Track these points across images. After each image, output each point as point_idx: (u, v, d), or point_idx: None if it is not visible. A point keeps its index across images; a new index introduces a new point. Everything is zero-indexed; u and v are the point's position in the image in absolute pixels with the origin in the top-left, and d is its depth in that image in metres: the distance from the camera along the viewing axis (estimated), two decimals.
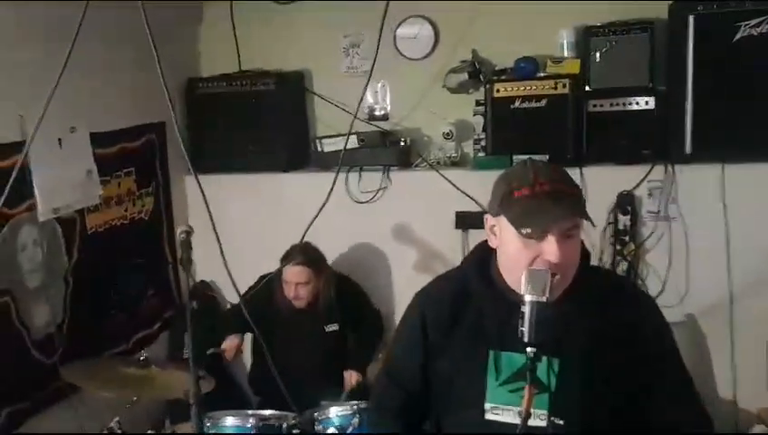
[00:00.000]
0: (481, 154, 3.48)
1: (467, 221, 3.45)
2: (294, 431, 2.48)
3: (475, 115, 3.50)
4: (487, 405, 1.57)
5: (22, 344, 2.64)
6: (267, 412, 2.58)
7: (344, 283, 3.40)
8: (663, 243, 3.22)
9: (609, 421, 1.54)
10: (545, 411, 1.51)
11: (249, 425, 2.45)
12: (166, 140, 3.58)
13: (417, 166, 3.59)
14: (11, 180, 1.92)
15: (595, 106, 3.25)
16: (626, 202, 3.24)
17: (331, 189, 2.38)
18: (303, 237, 2.29)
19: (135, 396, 2.58)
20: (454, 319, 1.65)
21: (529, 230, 1.47)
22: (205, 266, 3.87)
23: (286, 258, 3.19)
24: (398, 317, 3.60)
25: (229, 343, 3.26)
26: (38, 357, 2.71)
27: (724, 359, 3.19)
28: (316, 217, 2.23)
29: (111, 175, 3.16)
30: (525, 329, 1.42)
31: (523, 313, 1.44)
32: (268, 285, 3.30)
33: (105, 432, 2.41)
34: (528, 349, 1.42)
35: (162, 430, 3.19)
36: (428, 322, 1.68)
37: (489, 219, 1.60)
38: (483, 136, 3.46)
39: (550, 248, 1.47)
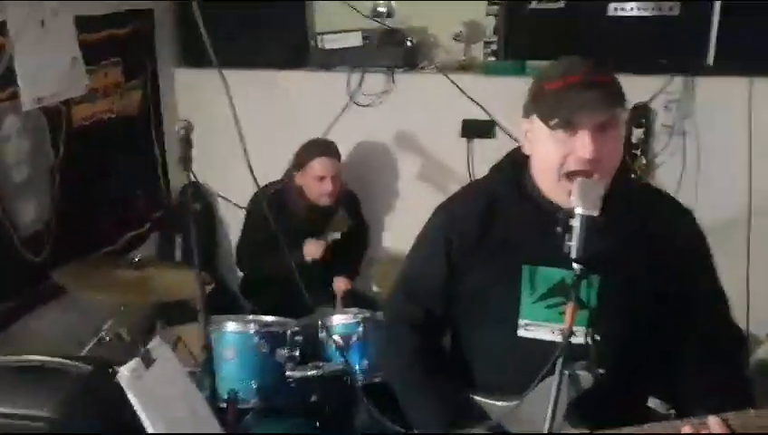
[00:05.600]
0: (491, 58, 3.29)
1: (474, 129, 3.29)
2: (297, 338, 2.41)
3: (487, 15, 3.29)
4: (521, 321, 1.50)
5: (9, 242, 2.50)
6: (269, 318, 2.50)
7: (348, 193, 3.27)
8: (676, 159, 3.11)
9: (646, 336, 1.48)
10: (583, 328, 1.44)
11: (252, 331, 2.36)
12: (154, 28, 3.33)
13: (423, 68, 3.40)
14: None
15: (616, 9, 3.06)
16: (640, 114, 3.11)
17: None
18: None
19: (130, 299, 2.49)
20: (482, 235, 1.55)
21: (557, 120, 1.37)
22: (197, 167, 3.72)
23: (309, 155, 3.01)
24: (394, 227, 3.57)
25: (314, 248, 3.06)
26: (26, 255, 2.58)
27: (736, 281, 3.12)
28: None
29: (98, 64, 2.93)
30: (574, 244, 1.32)
31: (570, 226, 1.34)
32: (279, 194, 3.15)
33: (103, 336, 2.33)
34: (575, 265, 1.33)
35: (154, 334, 3.13)
36: (454, 243, 1.58)
37: (524, 123, 1.50)
38: (494, 39, 3.27)
39: (582, 142, 1.37)
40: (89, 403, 1.53)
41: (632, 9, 3.04)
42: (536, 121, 1.44)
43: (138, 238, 3.33)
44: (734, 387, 1.47)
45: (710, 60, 2.95)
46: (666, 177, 3.16)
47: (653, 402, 1.85)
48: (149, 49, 3.33)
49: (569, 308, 1.32)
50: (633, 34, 3.04)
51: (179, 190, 3.64)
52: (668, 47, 3.02)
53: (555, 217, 1.39)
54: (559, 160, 1.41)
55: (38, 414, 1.47)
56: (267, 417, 2.34)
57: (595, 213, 1.33)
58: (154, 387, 1.53)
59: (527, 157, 1.53)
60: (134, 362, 1.54)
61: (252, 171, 1.68)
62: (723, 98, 3.01)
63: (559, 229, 1.36)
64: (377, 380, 2.35)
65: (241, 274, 3.45)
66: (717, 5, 2.89)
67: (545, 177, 1.47)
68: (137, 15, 3.19)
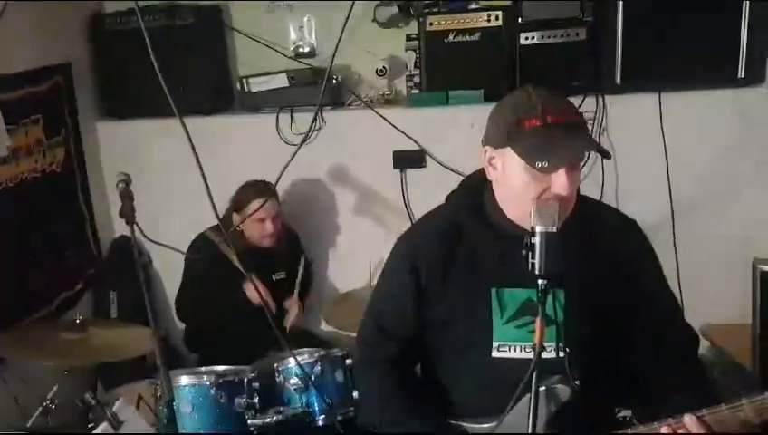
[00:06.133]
0: (415, 91, 3.40)
1: (405, 160, 3.38)
2: (254, 385, 2.37)
3: (406, 51, 3.41)
4: (494, 343, 1.55)
5: None
6: (223, 368, 2.44)
7: (288, 232, 3.27)
8: (595, 173, 3.28)
9: (611, 344, 1.55)
10: (553, 343, 1.50)
11: (207, 383, 2.29)
12: (73, 82, 3.25)
13: (350, 105, 3.46)
14: None
15: (527, 39, 3.23)
16: None
17: None
18: (278, 179, 2.11)
19: (73, 362, 2.40)
20: (448, 261, 1.60)
21: (546, 164, 1.41)
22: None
23: (247, 197, 2.99)
24: (334, 264, 3.58)
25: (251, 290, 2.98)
26: None
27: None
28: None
29: (18, 123, 2.84)
30: (537, 261, 1.39)
31: (532, 244, 1.40)
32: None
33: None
34: (539, 281, 1.39)
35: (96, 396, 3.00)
36: (421, 271, 1.61)
37: (489, 151, 1.53)
38: (416, 72, 3.39)
39: (560, 181, 1.43)
40: None
41: (542, 37, 3.22)
42: (510, 154, 1.47)
43: (71, 298, 3.20)
44: (698, 385, 1.56)
45: (618, 79, 3.16)
46: (588, 192, 3.31)
47: None
48: (70, 103, 3.25)
49: (537, 323, 1.38)
50: (545, 60, 3.21)
51: (109, 245, 3.54)
52: (579, 70, 3.21)
53: (518, 239, 1.45)
54: (534, 194, 1.45)
55: None
56: None
57: (554, 229, 1.40)
58: None
59: (484, 182, 1.58)
60: (104, 426, 1.50)
61: (215, 209, 1.65)
62: (634, 113, 3.22)
63: (524, 252, 1.42)
64: (339, 418, 2.34)
65: (181, 327, 3.37)
66: (620, 29, 3.10)
67: (517, 206, 1.51)
68: (55, 71, 3.11)
